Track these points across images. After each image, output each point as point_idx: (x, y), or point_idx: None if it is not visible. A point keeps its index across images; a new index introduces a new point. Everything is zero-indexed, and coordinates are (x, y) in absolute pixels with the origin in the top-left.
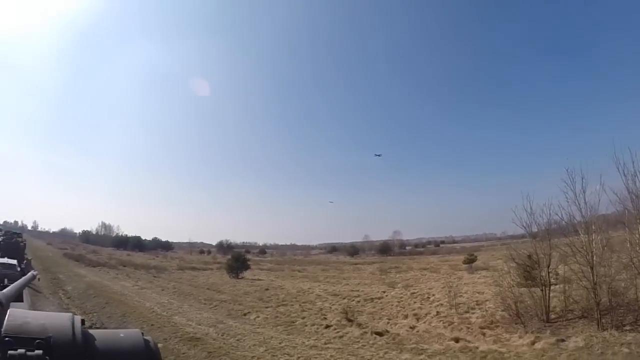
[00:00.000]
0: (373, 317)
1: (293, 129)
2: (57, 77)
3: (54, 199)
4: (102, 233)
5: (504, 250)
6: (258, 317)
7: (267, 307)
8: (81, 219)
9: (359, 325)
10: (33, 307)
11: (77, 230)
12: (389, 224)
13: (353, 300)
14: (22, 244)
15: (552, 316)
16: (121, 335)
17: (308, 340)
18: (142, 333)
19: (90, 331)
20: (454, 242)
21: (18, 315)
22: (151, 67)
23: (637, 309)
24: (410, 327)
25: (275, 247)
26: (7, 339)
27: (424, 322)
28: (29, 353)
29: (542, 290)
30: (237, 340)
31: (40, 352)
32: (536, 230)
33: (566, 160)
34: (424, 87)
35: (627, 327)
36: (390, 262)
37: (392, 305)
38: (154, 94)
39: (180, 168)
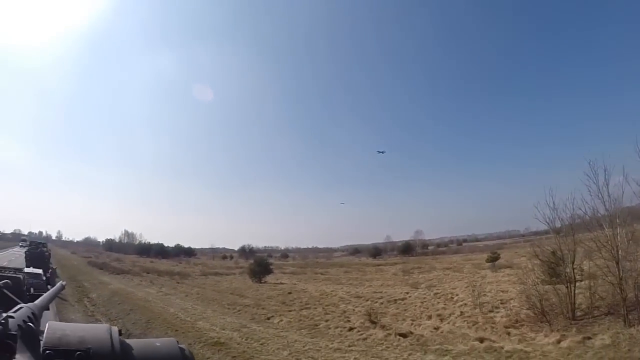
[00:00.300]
0: (397, 318)
1: (313, 132)
2: (76, 89)
3: (77, 209)
4: (125, 241)
5: (528, 247)
6: (281, 320)
7: (290, 311)
8: (104, 228)
9: (383, 327)
10: (59, 315)
11: (101, 238)
12: (411, 224)
13: (376, 302)
14: (47, 253)
15: (578, 313)
16: (157, 344)
17: (332, 343)
18: (177, 341)
19: (127, 341)
20: (477, 240)
21: (57, 328)
22: (166, 74)
23: None
24: (434, 328)
25: (297, 250)
26: (47, 352)
27: (448, 323)
28: None
29: (567, 287)
30: (261, 344)
31: None
32: (559, 225)
33: (589, 152)
34: (442, 82)
35: None
36: (413, 263)
37: (415, 306)
38: (172, 101)
39: (201, 175)
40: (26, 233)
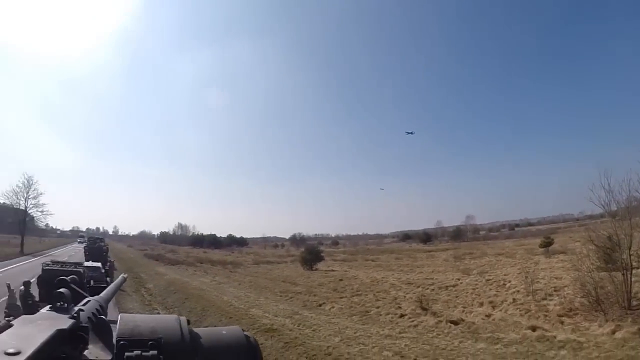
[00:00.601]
0: (448, 305)
1: (360, 120)
2: (121, 92)
3: (132, 205)
4: (179, 233)
5: (582, 231)
6: (333, 307)
7: (341, 298)
8: (158, 222)
9: (434, 314)
10: (118, 305)
11: (155, 232)
12: (462, 209)
13: (427, 288)
14: (104, 248)
15: (634, 303)
16: (223, 332)
17: (383, 330)
18: (242, 329)
19: (195, 330)
20: (529, 224)
21: (129, 319)
22: (211, 71)
23: None
24: (486, 316)
25: (348, 237)
26: (122, 342)
27: (500, 310)
28: (144, 353)
29: (623, 274)
30: (313, 330)
31: (155, 352)
32: (615, 208)
33: None
34: (492, 65)
35: None
36: (464, 248)
37: (467, 292)
38: (215, 98)
39: (250, 167)
40: (84, 230)
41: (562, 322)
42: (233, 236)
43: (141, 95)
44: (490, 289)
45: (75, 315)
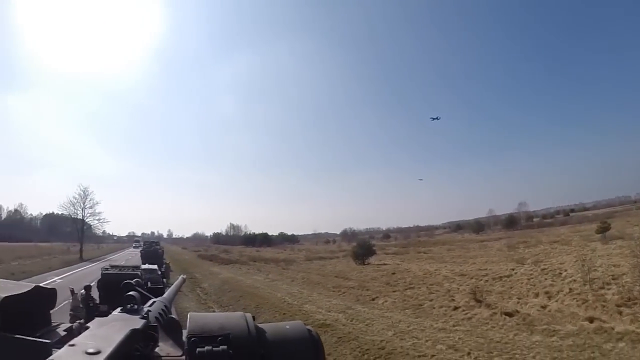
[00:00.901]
0: (502, 296)
1: (407, 110)
2: (163, 102)
3: (184, 209)
4: (232, 233)
5: None
6: (386, 301)
7: (394, 291)
8: (211, 223)
9: (488, 305)
10: (175, 304)
11: (208, 233)
12: (514, 196)
13: (481, 279)
14: (160, 251)
15: None
16: (287, 327)
17: (436, 323)
18: (304, 324)
19: (260, 325)
20: (585, 209)
21: (198, 317)
22: (249, 73)
23: None
24: (542, 307)
25: (399, 230)
26: (192, 339)
27: (556, 301)
28: (215, 349)
29: None
30: (366, 325)
31: (224, 347)
32: None
33: None
34: (541, 45)
35: None
36: (518, 237)
37: (521, 283)
38: (262, 99)
39: (297, 165)
40: (139, 235)
41: (620, 313)
42: (284, 234)
43: (183, 103)
44: (546, 279)
45: (145, 315)
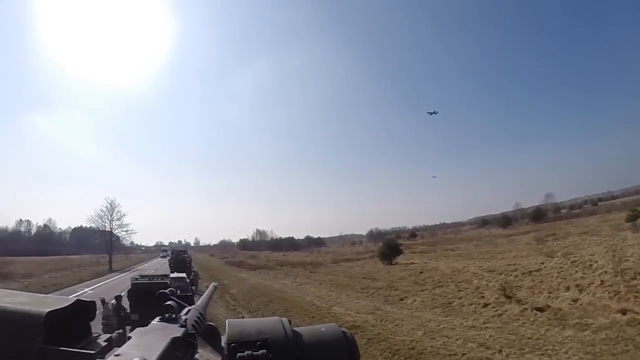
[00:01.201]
0: (532, 291)
1: (429, 104)
2: (184, 112)
3: (210, 217)
4: (258, 239)
5: None
6: (415, 301)
7: (422, 290)
8: (237, 230)
9: (518, 301)
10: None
11: (235, 239)
12: (540, 187)
13: (510, 275)
14: (187, 259)
15: None
16: (322, 329)
17: (466, 321)
18: (339, 326)
19: (296, 329)
20: (613, 197)
21: (236, 323)
22: (268, 77)
23: None
24: (573, 300)
25: (425, 228)
26: (232, 344)
27: (587, 294)
28: (255, 353)
29: None
30: (395, 325)
31: (264, 351)
32: None
33: None
34: (568, 36)
35: None
36: (546, 229)
37: (551, 277)
38: (281, 105)
39: (320, 166)
40: (167, 244)
41: None
42: (310, 237)
43: (203, 111)
44: (576, 271)
45: (183, 324)
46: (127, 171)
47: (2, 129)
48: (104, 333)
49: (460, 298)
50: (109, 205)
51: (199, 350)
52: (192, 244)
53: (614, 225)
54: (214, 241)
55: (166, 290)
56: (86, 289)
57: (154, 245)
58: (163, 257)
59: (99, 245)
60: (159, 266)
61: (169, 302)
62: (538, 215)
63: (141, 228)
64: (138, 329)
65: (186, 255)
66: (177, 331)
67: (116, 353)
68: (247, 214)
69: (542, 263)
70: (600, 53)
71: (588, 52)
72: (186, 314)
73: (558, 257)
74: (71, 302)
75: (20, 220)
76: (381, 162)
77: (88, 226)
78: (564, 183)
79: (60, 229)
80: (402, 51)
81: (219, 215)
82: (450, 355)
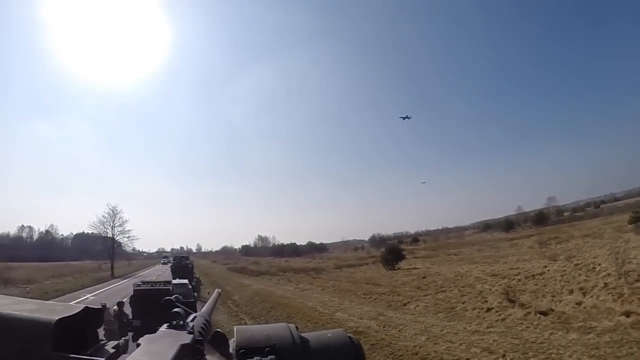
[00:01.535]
0: (536, 295)
1: (429, 110)
2: (188, 119)
3: (212, 223)
4: (260, 245)
5: None
6: (418, 306)
7: (425, 295)
8: (239, 236)
9: (522, 305)
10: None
11: (237, 246)
12: (542, 191)
13: (513, 279)
14: (190, 265)
15: None
16: (329, 335)
17: (469, 326)
18: (345, 331)
19: (303, 335)
20: (615, 199)
21: (244, 330)
22: (270, 84)
23: None
24: (577, 303)
25: (427, 233)
26: (241, 350)
27: (591, 297)
28: (263, 359)
29: None
30: (399, 330)
31: (273, 357)
32: None
33: None
34: (566, 33)
35: None
36: (549, 233)
37: (555, 280)
38: (281, 110)
39: (323, 173)
40: (169, 250)
41: None
42: (313, 243)
43: (206, 118)
44: (580, 274)
45: (191, 330)
46: (130, 177)
47: (4, 135)
48: (106, 339)
49: (463, 303)
50: (111, 212)
51: (207, 357)
52: (194, 250)
53: (617, 227)
54: (216, 247)
55: (172, 297)
56: (88, 295)
57: (156, 252)
58: (164, 263)
59: (101, 251)
60: (161, 272)
61: (176, 309)
62: (540, 218)
63: (143, 234)
64: (147, 335)
65: (188, 262)
66: (185, 338)
67: None
68: (249, 220)
69: (545, 266)
70: (602, 53)
71: (590, 52)
72: (192, 320)
73: (561, 261)
74: (79, 310)
75: (22, 226)
76: (383, 167)
77: (90, 232)
78: (566, 186)
79: (62, 235)
80: (403, 54)
81: (221, 222)
82: None
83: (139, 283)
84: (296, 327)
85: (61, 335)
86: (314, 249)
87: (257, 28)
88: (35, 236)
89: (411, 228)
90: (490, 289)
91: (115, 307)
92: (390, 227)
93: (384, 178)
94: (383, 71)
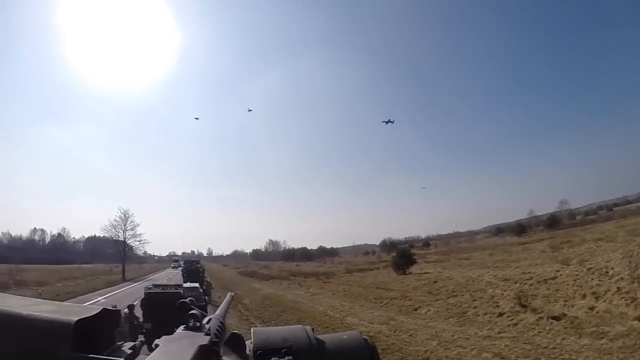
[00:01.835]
0: (548, 300)
1: (439, 112)
2: (199, 126)
3: (223, 227)
4: (271, 249)
5: None
6: (429, 310)
7: (436, 300)
8: (250, 240)
9: (534, 310)
10: None
11: (248, 250)
12: (554, 194)
13: (525, 283)
14: (200, 269)
15: None
16: (344, 337)
17: (481, 331)
18: (360, 333)
19: (319, 336)
20: (628, 202)
21: (261, 331)
22: (279, 88)
23: None
24: (589, 308)
25: (439, 237)
26: (259, 352)
27: (604, 301)
28: (281, 359)
29: None
30: (409, 335)
31: (290, 357)
32: None
33: None
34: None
35: None
36: (561, 236)
37: (567, 284)
38: (290, 114)
39: (333, 176)
40: (180, 254)
41: None
42: (323, 247)
43: (216, 122)
44: (592, 279)
45: (208, 332)
46: (141, 181)
47: (17, 140)
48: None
49: (474, 307)
50: (122, 215)
51: (224, 358)
52: (205, 254)
53: (630, 230)
54: (226, 251)
55: (186, 300)
56: (99, 298)
57: (167, 255)
58: (174, 267)
59: (112, 254)
60: (172, 276)
61: (193, 311)
62: (552, 222)
63: (154, 238)
64: (164, 337)
65: (199, 265)
66: (203, 339)
67: None
68: (260, 225)
69: (558, 271)
70: (616, 54)
71: (602, 54)
72: (207, 322)
73: (573, 265)
74: (98, 311)
75: (35, 229)
76: (394, 171)
77: (101, 235)
78: (578, 188)
79: (74, 238)
80: (414, 57)
81: (232, 226)
82: None
83: (150, 286)
84: (312, 329)
85: (80, 336)
86: (324, 253)
87: (266, 31)
88: (48, 239)
89: (422, 232)
90: (502, 294)
91: (126, 310)
92: (401, 231)
93: (394, 181)
94: (393, 75)
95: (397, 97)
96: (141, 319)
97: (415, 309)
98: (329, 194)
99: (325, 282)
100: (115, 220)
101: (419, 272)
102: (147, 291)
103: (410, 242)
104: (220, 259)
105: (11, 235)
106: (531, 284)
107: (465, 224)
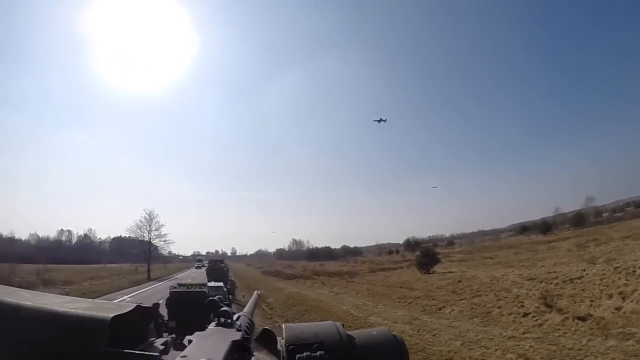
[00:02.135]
0: (574, 300)
1: (459, 111)
2: (221, 127)
3: (247, 227)
4: (294, 249)
5: None
6: (453, 310)
7: (461, 300)
8: (274, 239)
9: (559, 310)
10: None
11: (271, 249)
12: (580, 191)
13: (551, 283)
14: (224, 268)
15: None
16: (374, 333)
17: (505, 331)
18: (389, 329)
19: (348, 332)
20: None
21: (292, 327)
22: (299, 89)
23: None
24: (616, 309)
25: (463, 236)
26: (291, 346)
27: (631, 301)
28: (313, 354)
29: None
30: (433, 335)
31: (322, 352)
32: None
33: None
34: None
35: None
36: (587, 235)
37: (593, 284)
38: (310, 115)
39: (355, 175)
40: (204, 253)
41: None
42: (347, 246)
43: (236, 124)
44: (619, 278)
45: (239, 328)
46: (165, 183)
47: (45, 144)
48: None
49: (499, 307)
50: (147, 216)
51: (255, 354)
52: (229, 254)
53: None
54: (250, 251)
55: (215, 298)
56: (125, 297)
57: (191, 255)
58: (198, 267)
59: (137, 254)
60: (196, 275)
61: (224, 308)
62: (579, 220)
63: (179, 238)
64: (197, 333)
65: (223, 265)
66: (235, 335)
67: (182, 355)
68: (283, 225)
69: (584, 270)
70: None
71: (628, 43)
72: (237, 319)
73: (600, 264)
74: (132, 308)
75: (62, 230)
76: (418, 169)
77: (127, 236)
78: (605, 185)
79: (100, 238)
80: (431, 58)
81: (256, 226)
82: None
83: (175, 285)
84: (342, 325)
85: (116, 331)
86: (348, 253)
87: (284, 32)
88: (74, 239)
89: (446, 231)
90: (527, 294)
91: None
92: (425, 230)
93: (418, 181)
94: (412, 75)
95: (416, 98)
96: (166, 317)
97: (439, 309)
98: (352, 193)
99: (348, 282)
100: (140, 221)
101: (443, 271)
102: (172, 290)
103: (434, 241)
104: (243, 258)
105: (39, 237)
106: (557, 284)
107: (489, 222)
